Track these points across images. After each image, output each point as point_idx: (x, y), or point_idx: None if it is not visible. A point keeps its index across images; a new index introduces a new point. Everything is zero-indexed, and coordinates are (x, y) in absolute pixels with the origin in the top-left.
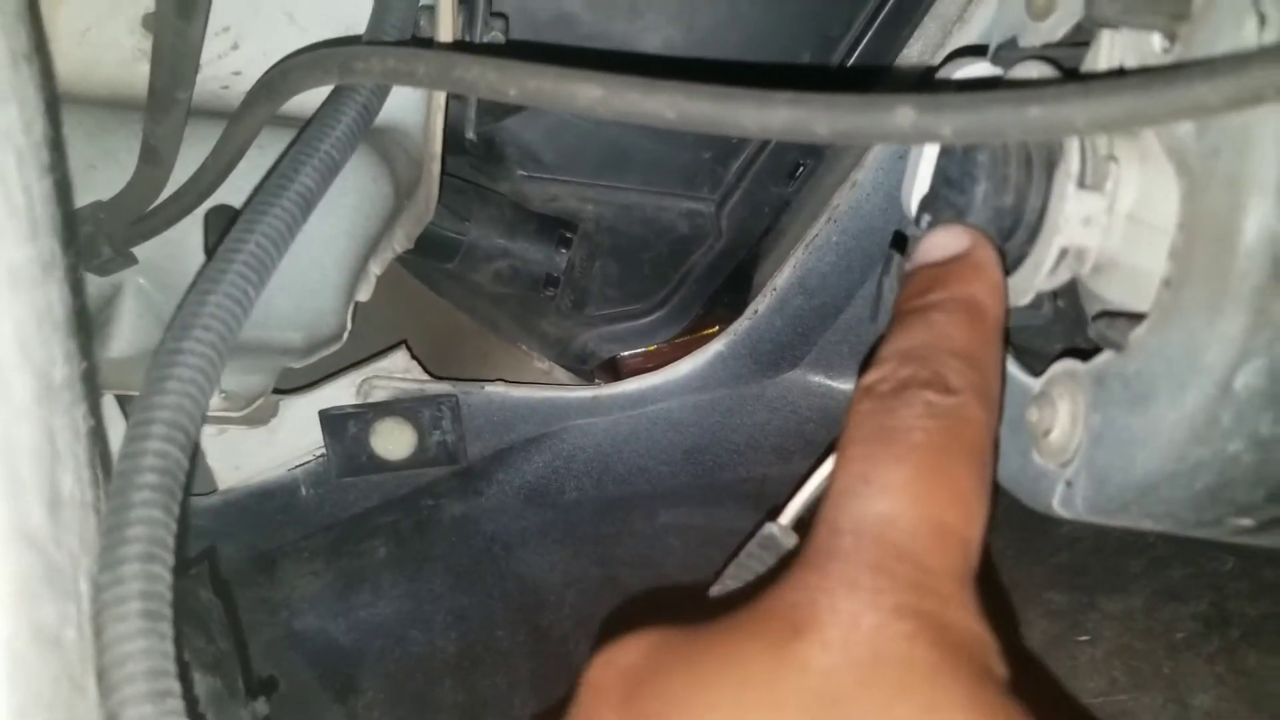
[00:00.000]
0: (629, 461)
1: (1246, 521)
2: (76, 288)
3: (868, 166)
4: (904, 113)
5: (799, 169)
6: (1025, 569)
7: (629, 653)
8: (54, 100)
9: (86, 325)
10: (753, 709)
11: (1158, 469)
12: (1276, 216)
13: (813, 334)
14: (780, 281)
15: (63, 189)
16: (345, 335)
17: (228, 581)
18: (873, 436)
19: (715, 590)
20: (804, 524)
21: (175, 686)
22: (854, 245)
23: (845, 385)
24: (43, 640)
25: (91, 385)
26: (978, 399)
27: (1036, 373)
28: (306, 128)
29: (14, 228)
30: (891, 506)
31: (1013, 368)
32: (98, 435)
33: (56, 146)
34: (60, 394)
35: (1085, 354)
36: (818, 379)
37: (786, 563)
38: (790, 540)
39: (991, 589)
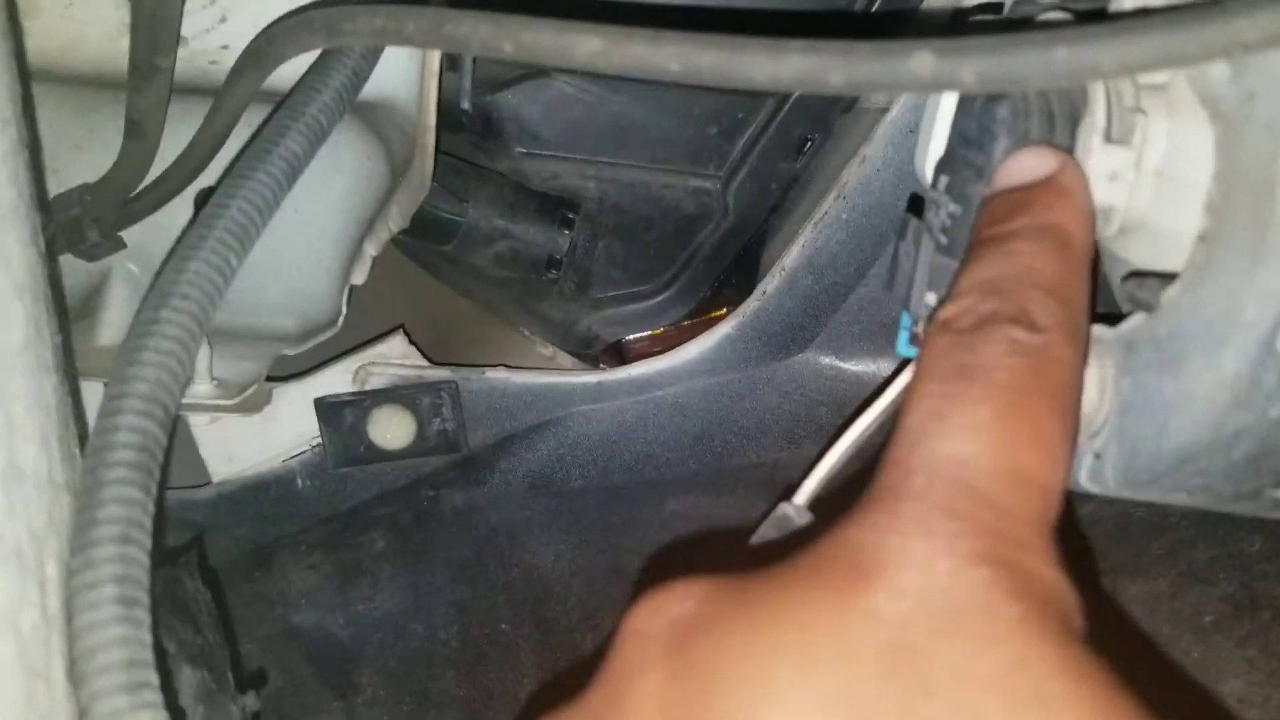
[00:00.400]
0: (636, 448)
1: None
2: (50, 254)
3: (877, 141)
4: (922, 58)
5: (807, 144)
6: None
7: (678, 599)
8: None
9: (62, 300)
10: (821, 662)
11: (1194, 437)
12: None
13: (823, 314)
14: (789, 261)
15: (34, 153)
16: (340, 320)
17: (221, 574)
18: (951, 374)
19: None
20: (819, 504)
21: (152, 678)
22: (864, 222)
23: (856, 367)
24: None
25: (69, 361)
26: (1066, 337)
27: None
28: (292, 93)
29: None
30: (969, 447)
31: None
32: (75, 415)
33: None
34: (18, 357)
35: (1110, 320)
36: (828, 361)
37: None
38: (805, 520)
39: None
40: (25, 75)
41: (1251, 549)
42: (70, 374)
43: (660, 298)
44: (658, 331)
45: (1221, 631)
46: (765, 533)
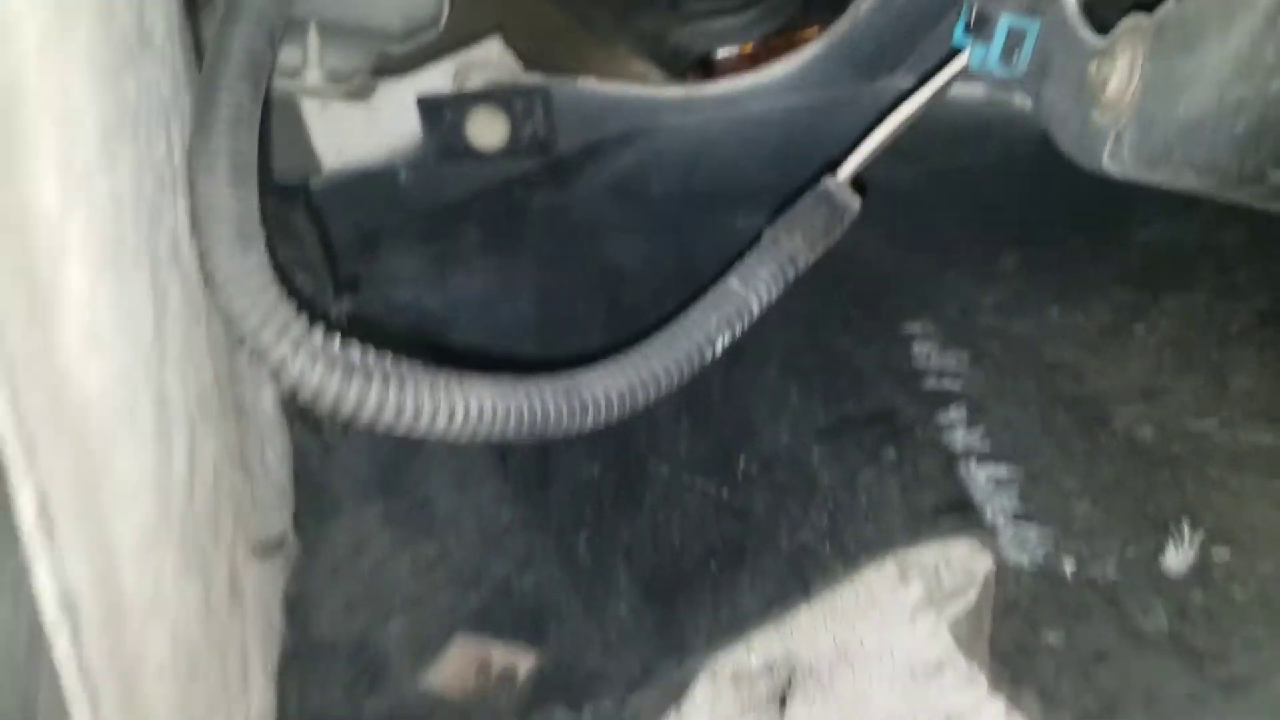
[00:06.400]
0: (717, 160)
1: None
2: None
3: None
4: None
5: None
6: (1095, 265)
7: None
8: None
9: None
10: None
11: (1200, 108)
12: None
13: (915, 36)
14: None
15: None
16: (443, 21)
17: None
18: None
19: (767, 232)
20: (860, 181)
21: (259, 234)
22: None
23: None
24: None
25: None
26: None
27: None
28: None
29: None
30: None
31: (1082, 30)
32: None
33: None
34: None
35: (1149, 9)
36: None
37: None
38: (844, 194)
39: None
40: None
41: None
42: None
43: (751, 11)
44: (746, 48)
45: (1244, 339)
46: (806, 201)
